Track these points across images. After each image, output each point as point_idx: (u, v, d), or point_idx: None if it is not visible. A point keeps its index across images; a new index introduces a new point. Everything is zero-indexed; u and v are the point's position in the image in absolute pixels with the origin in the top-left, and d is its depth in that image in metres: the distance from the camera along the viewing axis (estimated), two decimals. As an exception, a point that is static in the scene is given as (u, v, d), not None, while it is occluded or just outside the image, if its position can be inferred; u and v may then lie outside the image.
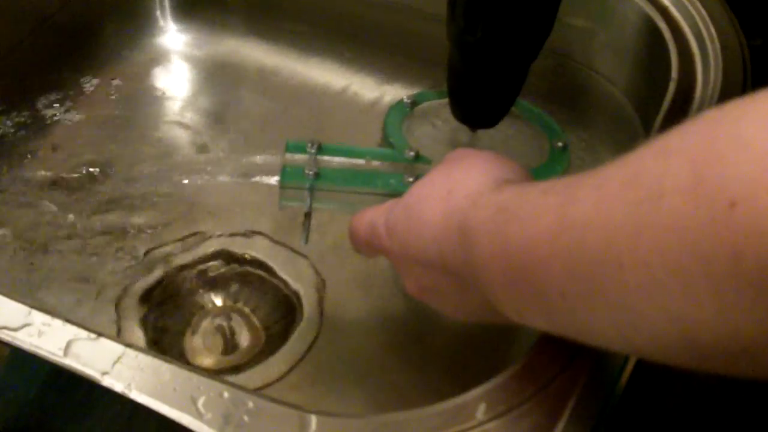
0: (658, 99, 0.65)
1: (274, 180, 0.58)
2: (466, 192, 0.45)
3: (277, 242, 0.70)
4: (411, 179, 0.57)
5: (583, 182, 0.36)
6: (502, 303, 0.42)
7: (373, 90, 0.82)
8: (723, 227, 0.28)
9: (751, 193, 0.27)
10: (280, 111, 0.81)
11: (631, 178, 0.33)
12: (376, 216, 0.52)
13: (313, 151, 0.59)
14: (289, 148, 0.59)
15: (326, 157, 0.59)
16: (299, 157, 0.59)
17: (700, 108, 0.62)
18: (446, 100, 0.63)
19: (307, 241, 0.59)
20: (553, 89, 0.75)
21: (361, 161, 0.60)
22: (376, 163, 0.60)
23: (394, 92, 0.81)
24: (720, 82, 0.64)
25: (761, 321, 0.28)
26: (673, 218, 0.30)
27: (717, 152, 0.29)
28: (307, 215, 0.59)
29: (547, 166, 0.64)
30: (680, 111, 0.62)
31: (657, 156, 0.32)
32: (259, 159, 0.61)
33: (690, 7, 0.70)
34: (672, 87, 0.65)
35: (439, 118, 0.67)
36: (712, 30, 0.68)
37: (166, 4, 0.89)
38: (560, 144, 0.65)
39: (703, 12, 0.69)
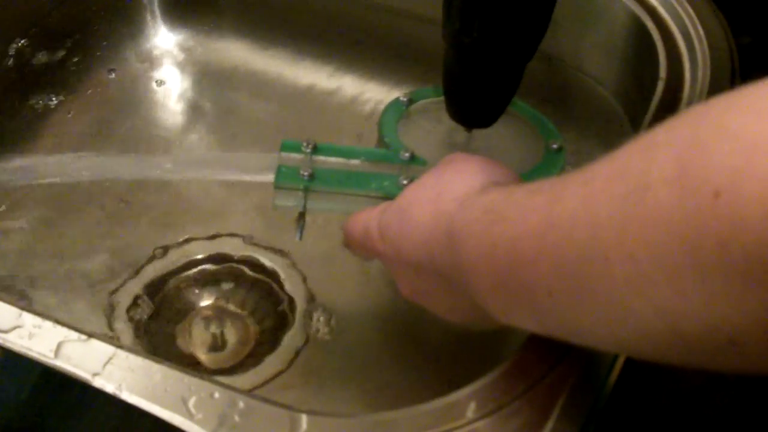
0: (647, 99, 0.65)
1: (267, 179, 0.58)
2: (453, 195, 0.45)
3: (269, 242, 0.70)
4: (405, 181, 0.57)
5: (569, 180, 0.36)
6: (489, 305, 0.42)
7: (367, 91, 0.82)
8: (708, 217, 0.28)
9: (735, 182, 0.27)
10: (273, 112, 0.81)
11: (618, 172, 0.33)
12: (369, 218, 0.52)
13: (308, 150, 0.59)
14: (284, 148, 0.59)
15: (321, 157, 0.59)
16: (294, 157, 0.59)
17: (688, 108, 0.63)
18: (443, 98, 0.63)
19: (301, 237, 0.59)
20: (541, 90, 0.75)
21: (356, 162, 0.60)
22: (371, 164, 0.60)
23: (389, 92, 0.81)
24: (708, 81, 0.64)
25: (747, 309, 0.28)
26: (659, 210, 0.30)
27: (701, 143, 0.29)
28: (302, 215, 0.59)
29: (542, 167, 0.64)
30: (669, 111, 0.63)
31: (643, 150, 0.32)
32: (252, 159, 0.61)
33: (678, 7, 0.70)
34: (660, 87, 0.65)
35: (435, 117, 0.66)
36: (700, 30, 0.68)
37: (156, 6, 0.89)
38: (555, 145, 0.65)
39: (691, 12, 0.69)
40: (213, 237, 0.71)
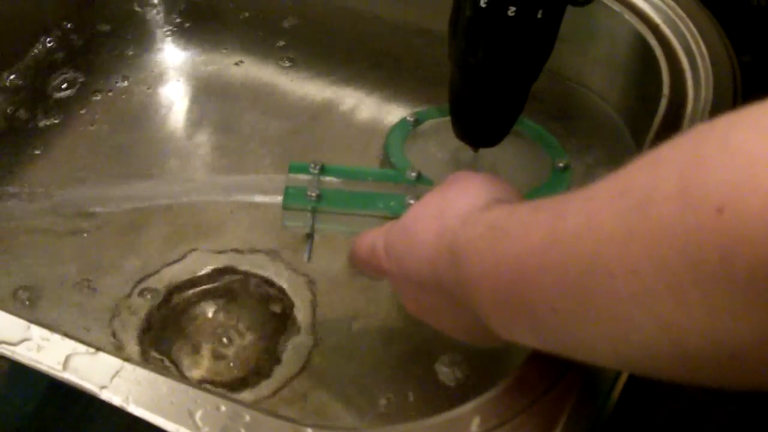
0: (650, 115, 0.65)
1: (276, 200, 0.59)
2: (456, 212, 0.46)
3: (276, 259, 0.71)
4: (412, 201, 0.57)
5: (573, 197, 0.36)
6: (492, 321, 0.42)
7: (374, 108, 0.82)
8: (711, 232, 0.28)
9: (738, 197, 0.28)
10: (280, 130, 0.81)
11: (621, 188, 0.33)
12: (375, 237, 0.53)
13: (315, 172, 0.60)
14: (292, 169, 0.60)
15: (329, 178, 0.60)
16: (302, 178, 0.60)
17: (691, 124, 0.63)
18: (449, 118, 0.63)
19: (309, 259, 0.60)
20: (545, 106, 0.75)
21: (363, 182, 0.60)
22: (378, 184, 0.60)
23: (396, 111, 0.81)
24: (711, 98, 0.64)
25: (749, 324, 0.29)
26: (662, 225, 0.30)
27: (704, 158, 0.29)
28: (310, 236, 0.59)
29: (548, 185, 0.64)
30: (671, 127, 0.63)
31: (647, 167, 0.33)
32: (261, 178, 0.62)
33: (681, 25, 0.70)
34: (663, 103, 0.65)
35: (441, 137, 0.67)
36: (703, 47, 0.68)
37: (163, 22, 0.89)
38: (561, 164, 0.65)
39: (694, 29, 0.70)
40: (221, 253, 0.71)
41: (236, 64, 0.87)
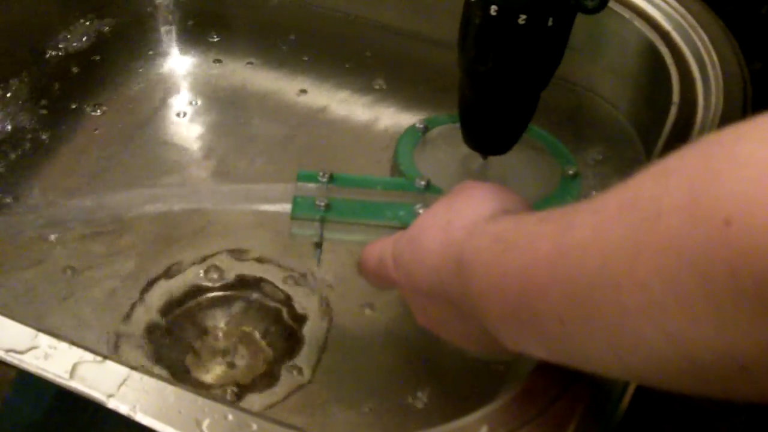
0: (660, 123, 0.65)
1: (284, 209, 0.59)
2: (463, 223, 0.46)
3: (284, 266, 0.71)
4: (421, 210, 0.57)
5: (580, 209, 0.36)
6: (500, 332, 0.42)
7: (383, 116, 0.82)
8: (719, 245, 0.28)
9: (747, 210, 0.27)
10: (289, 137, 0.81)
11: (629, 200, 0.33)
12: (383, 247, 0.53)
13: (324, 180, 0.60)
14: (300, 178, 0.60)
15: (337, 187, 0.60)
16: (310, 187, 0.59)
17: (701, 132, 0.63)
18: (458, 125, 0.63)
19: (319, 263, 0.60)
20: (555, 113, 0.75)
21: (371, 191, 0.60)
22: (387, 193, 0.60)
23: (405, 118, 0.81)
24: (721, 106, 0.64)
25: (758, 337, 0.28)
26: (671, 237, 0.30)
27: (713, 171, 0.29)
28: (318, 244, 0.59)
29: (558, 194, 0.64)
30: (681, 135, 0.63)
31: (655, 178, 0.32)
32: (269, 187, 0.62)
33: (691, 32, 0.70)
34: (673, 111, 0.65)
35: (451, 144, 0.67)
36: (713, 55, 0.68)
37: (172, 29, 0.89)
38: (571, 172, 0.65)
39: (705, 37, 0.70)
40: (229, 260, 0.71)
41: (244, 72, 0.87)
